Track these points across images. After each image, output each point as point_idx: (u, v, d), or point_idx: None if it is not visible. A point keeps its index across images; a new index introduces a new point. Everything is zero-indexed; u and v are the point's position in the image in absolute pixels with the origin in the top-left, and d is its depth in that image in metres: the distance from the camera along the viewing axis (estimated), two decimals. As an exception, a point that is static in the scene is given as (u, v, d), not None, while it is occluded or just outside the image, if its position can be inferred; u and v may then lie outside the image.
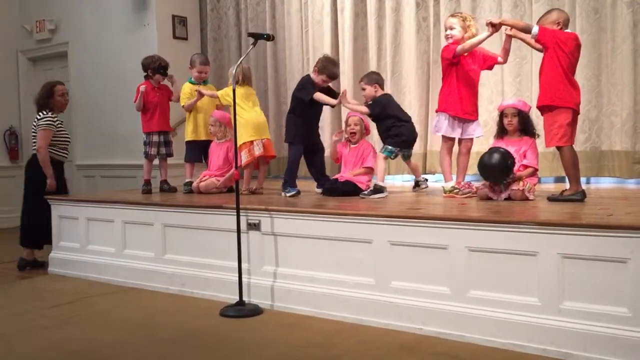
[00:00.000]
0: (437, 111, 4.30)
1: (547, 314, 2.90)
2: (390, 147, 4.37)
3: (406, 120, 4.46)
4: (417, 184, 4.86)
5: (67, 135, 5.53)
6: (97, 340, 3.34)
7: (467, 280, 3.14)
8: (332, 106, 4.81)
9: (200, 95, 5.15)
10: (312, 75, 4.62)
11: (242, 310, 3.71)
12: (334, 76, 4.65)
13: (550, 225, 2.91)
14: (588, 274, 2.81)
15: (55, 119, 5.39)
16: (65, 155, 5.53)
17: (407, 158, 4.70)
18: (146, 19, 6.97)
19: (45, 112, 5.35)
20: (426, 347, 3.06)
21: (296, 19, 6.60)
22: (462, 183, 4.23)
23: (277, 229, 3.86)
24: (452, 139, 4.27)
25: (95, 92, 7.01)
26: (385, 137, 4.45)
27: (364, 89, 4.53)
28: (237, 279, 3.75)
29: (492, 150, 3.88)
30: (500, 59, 4.26)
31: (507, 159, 3.79)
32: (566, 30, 3.75)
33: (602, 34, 4.90)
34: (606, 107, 4.97)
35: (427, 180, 4.93)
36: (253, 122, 4.74)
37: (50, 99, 5.39)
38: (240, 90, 4.70)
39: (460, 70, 4.17)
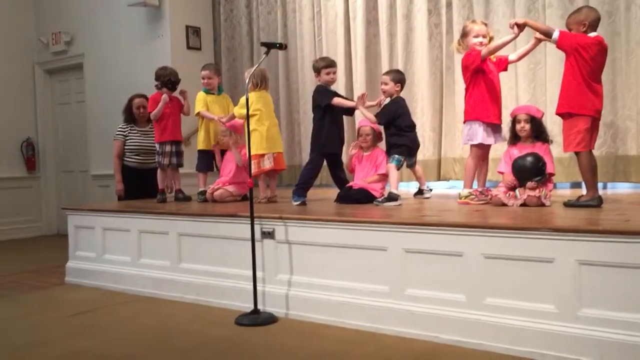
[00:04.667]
0: (468, 120, 4.21)
1: (565, 321, 2.87)
2: (397, 155, 4.38)
3: (409, 129, 4.46)
4: (420, 192, 4.86)
5: (139, 144, 5.89)
6: (114, 349, 3.35)
7: (483, 288, 3.11)
8: (352, 111, 4.78)
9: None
10: (320, 81, 4.64)
11: (257, 318, 3.71)
12: (330, 63, 4.65)
13: (566, 232, 2.88)
14: (605, 281, 2.78)
15: (126, 129, 5.90)
16: (138, 161, 5.88)
17: (411, 166, 4.69)
18: (160, 30, 7.04)
19: (123, 124, 5.94)
20: (443, 355, 3.04)
21: (308, 28, 6.63)
22: (481, 189, 4.21)
23: (291, 237, 3.86)
24: (486, 147, 4.24)
25: (110, 103, 7.08)
26: (389, 145, 4.46)
27: (386, 84, 4.52)
28: (251, 287, 3.76)
29: (527, 154, 3.92)
30: (510, 57, 4.26)
31: (539, 161, 3.86)
32: (591, 34, 3.66)
33: (616, 38, 4.87)
34: (621, 112, 4.93)
35: (431, 190, 4.92)
36: (267, 134, 4.69)
37: (129, 111, 5.94)
38: (259, 94, 4.71)
39: (486, 76, 4.14)
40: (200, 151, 5.37)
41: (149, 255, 4.69)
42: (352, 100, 4.73)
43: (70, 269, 5.24)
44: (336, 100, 4.57)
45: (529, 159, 3.88)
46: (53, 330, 3.77)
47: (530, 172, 3.87)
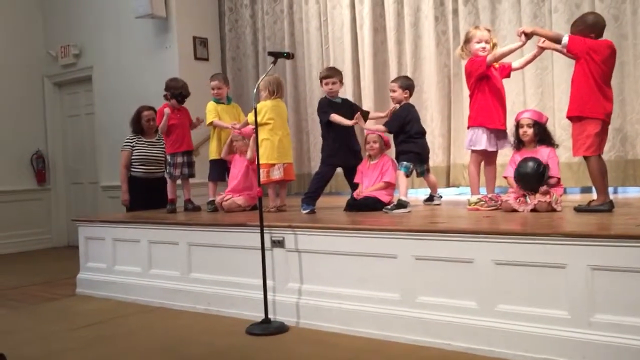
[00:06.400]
0: (472, 126, 4.21)
1: (578, 327, 2.85)
2: (405, 162, 4.38)
3: (418, 136, 4.45)
4: (430, 199, 4.85)
5: (145, 154, 5.96)
6: (125, 360, 3.36)
7: (495, 294, 3.10)
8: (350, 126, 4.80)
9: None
10: (326, 91, 4.67)
11: (268, 328, 3.70)
12: (328, 74, 4.69)
13: (578, 237, 2.87)
14: (618, 286, 2.76)
15: (134, 140, 5.97)
16: (145, 172, 5.94)
17: (422, 174, 4.67)
18: (168, 41, 7.08)
19: (130, 135, 6.02)
20: (455, 362, 3.03)
21: (315, 37, 6.65)
22: (490, 195, 4.19)
23: (301, 245, 3.86)
24: (489, 153, 4.23)
25: (119, 114, 7.12)
26: (398, 152, 4.46)
27: (394, 91, 4.53)
28: (262, 296, 3.76)
29: (527, 159, 3.89)
30: (514, 65, 4.26)
31: (540, 166, 3.81)
32: (600, 38, 3.66)
33: (623, 42, 4.85)
34: (630, 116, 4.91)
35: (441, 197, 4.90)
36: (278, 144, 4.69)
37: (138, 123, 6.01)
38: (274, 103, 4.72)
39: (490, 82, 4.14)
40: (212, 161, 5.38)
41: (159, 265, 4.70)
42: (364, 115, 4.73)
43: (81, 281, 5.26)
44: (333, 118, 4.58)
45: (530, 164, 3.84)
46: (64, 341, 3.77)
47: (532, 177, 3.82)
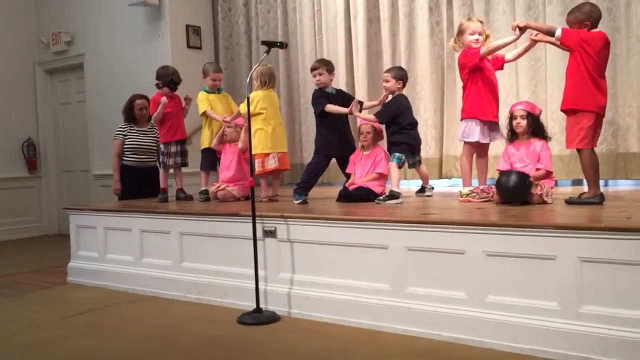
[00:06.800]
0: (465, 118, 4.21)
1: (567, 318, 2.87)
2: (397, 154, 4.38)
3: (410, 127, 4.45)
4: (421, 190, 4.86)
5: (138, 143, 5.91)
6: (116, 349, 3.36)
7: (485, 285, 3.12)
8: (346, 115, 4.79)
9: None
10: (314, 83, 4.68)
11: (259, 317, 3.71)
12: (314, 66, 4.73)
13: (568, 229, 2.88)
14: (607, 278, 2.78)
15: (126, 128, 5.92)
16: (137, 160, 5.90)
17: (414, 166, 4.67)
18: (160, 30, 7.04)
19: (123, 123, 5.97)
20: (445, 353, 3.04)
21: (309, 26, 6.63)
22: (482, 187, 4.21)
23: (293, 235, 3.86)
24: (482, 144, 4.23)
25: (111, 102, 7.09)
26: (390, 143, 4.46)
27: (387, 81, 4.52)
28: (253, 286, 3.76)
29: (510, 172, 3.85)
30: (507, 57, 4.26)
31: (525, 180, 3.75)
32: (594, 29, 3.66)
33: (617, 34, 4.86)
34: (622, 109, 4.92)
35: (432, 188, 4.91)
36: (272, 133, 4.68)
37: (130, 112, 5.95)
38: (266, 93, 4.70)
39: (483, 74, 4.14)
40: (204, 150, 5.37)
41: (151, 254, 4.70)
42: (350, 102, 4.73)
43: (72, 269, 5.25)
44: (329, 108, 4.58)
45: (513, 178, 3.76)
46: (55, 329, 3.77)
47: (514, 191, 3.75)
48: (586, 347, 2.80)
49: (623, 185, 5.12)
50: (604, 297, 2.79)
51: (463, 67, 4.19)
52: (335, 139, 4.68)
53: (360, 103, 4.77)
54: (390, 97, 4.57)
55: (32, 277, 5.47)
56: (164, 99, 5.21)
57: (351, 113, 4.54)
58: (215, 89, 5.37)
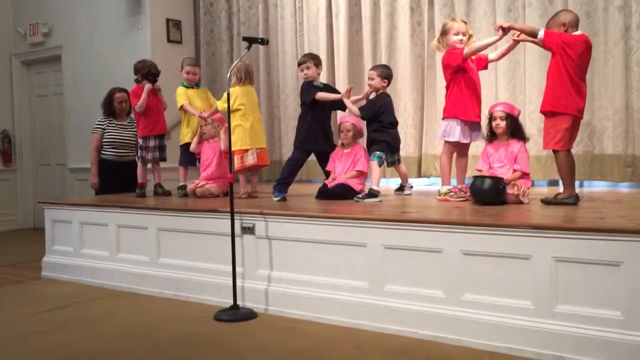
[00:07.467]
0: (446, 117, 4.22)
1: (541, 317, 2.91)
2: (378, 152, 4.39)
3: (391, 126, 4.47)
4: (400, 188, 4.88)
5: (117, 137, 5.86)
6: (91, 345, 3.33)
7: (461, 284, 3.14)
8: (341, 106, 4.75)
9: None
10: (302, 78, 4.66)
11: (236, 314, 3.70)
12: (301, 60, 4.74)
13: (543, 229, 2.92)
14: (582, 278, 2.82)
15: (105, 122, 5.87)
16: (116, 155, 5.85)
17: (393, 164, 4.69)
18: (140, 23, 6.97)
19: (102, 117, 5.91)
20: (421, 351, 3.06)
21: (290, 23, 6.62)
22: (460, 186, 4.24)
23: (271, 232, 3.85)
24: (462, 144, 4.25)
25: (89, 96, 7.01)
26: (370, 140, 4.47)
27: (372, 79, 4.52)
28: (231, 282, 3.75)
29: (484, 177, 3.89)
30: (490, 56, 4.29)
31: (499, 185, 3.80)
32: (575, 32, 3.70)
33: (594, 38, 4.92)
34: (598, 111, 5.00)
35: (412, 187, 4.93)
36: (250, 129, 4.66)
37: (109, 105, 5.89)
38: (244, 89, 4.69)
39: (466, 75, 4.16)
40: (183, 145, 5.33)
41: (127, 250, 4.65)
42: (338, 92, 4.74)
43: (47, 264, 5.18)
44: (320, 95, 4.58)
45: (487, 182, 3.80)
46: (28, 325, 3.72)
47: (488, 195, 3.80)
48: (560, 345, 2.84)
49: (598, 187, 5.19)
50: (578, 296, 2.83)
51: (446, 67, 4.21)
52: (317, 133, 4.68)
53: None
54: (373, 94, 4.58)
55: (5, 272, 5.38)
56: (148, 85, 5.15)
57: (346, 98, 4.53)
58: (192, 84, 5.33)
